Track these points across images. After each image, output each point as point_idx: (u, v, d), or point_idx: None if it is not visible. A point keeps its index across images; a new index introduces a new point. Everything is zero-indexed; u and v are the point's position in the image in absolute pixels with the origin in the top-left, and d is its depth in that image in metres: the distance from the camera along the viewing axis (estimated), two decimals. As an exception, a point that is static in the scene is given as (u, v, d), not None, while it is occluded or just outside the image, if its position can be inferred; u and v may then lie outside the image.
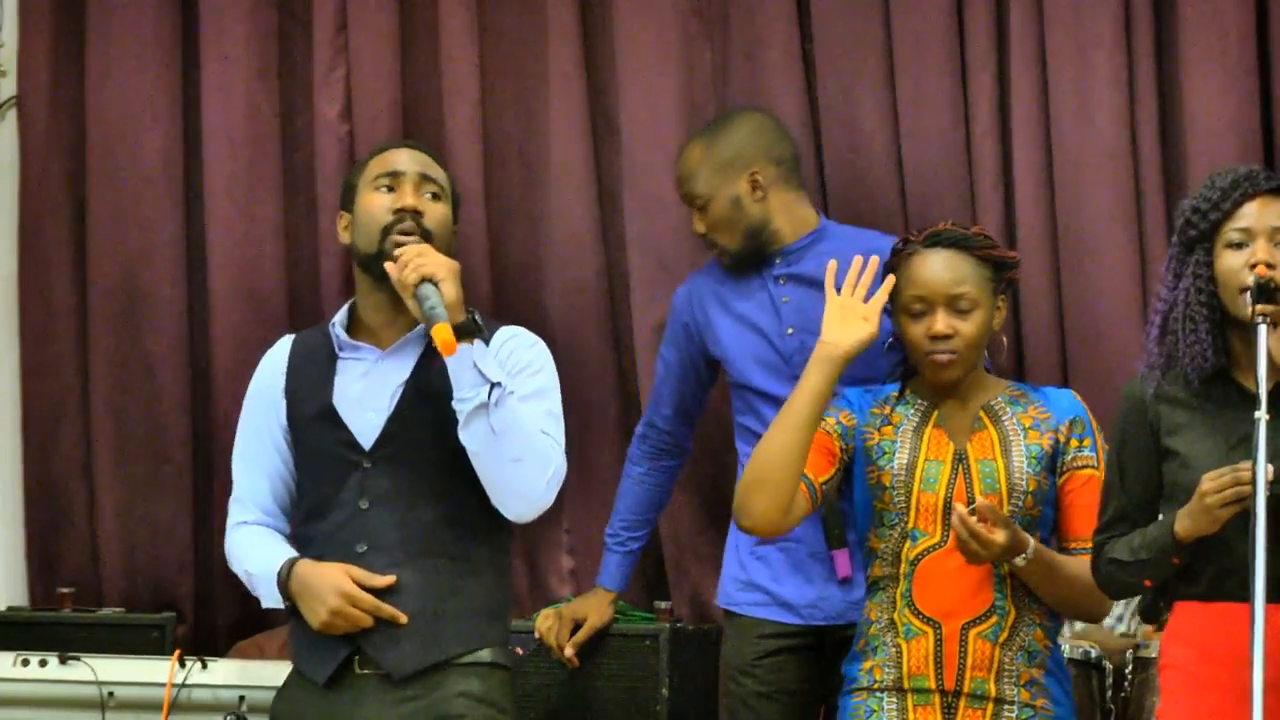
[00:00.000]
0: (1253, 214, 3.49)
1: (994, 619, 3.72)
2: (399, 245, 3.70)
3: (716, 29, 5.15)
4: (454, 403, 3.63)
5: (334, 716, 3.72)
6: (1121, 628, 4.54)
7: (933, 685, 3.71)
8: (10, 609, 5.25)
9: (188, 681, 4.62)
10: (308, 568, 3.74)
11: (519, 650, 4.55)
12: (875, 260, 3.84)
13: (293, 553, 3.79)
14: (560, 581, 5.19)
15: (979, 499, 3.69)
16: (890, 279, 3.82)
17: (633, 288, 5.13)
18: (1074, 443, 3.80)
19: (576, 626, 4.61)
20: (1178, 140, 4.84)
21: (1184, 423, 3.52)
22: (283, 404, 3.85)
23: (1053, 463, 3.80)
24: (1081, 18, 4.85)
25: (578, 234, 5.20)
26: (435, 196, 3.81)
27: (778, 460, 3.73)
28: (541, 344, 3.83)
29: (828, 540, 4.36)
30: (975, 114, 4.94)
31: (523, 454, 3.64)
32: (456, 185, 3.91)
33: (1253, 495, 3.27)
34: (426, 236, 3.74)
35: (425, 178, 3.81)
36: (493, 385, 3.60)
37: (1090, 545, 3.63)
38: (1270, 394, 3.34)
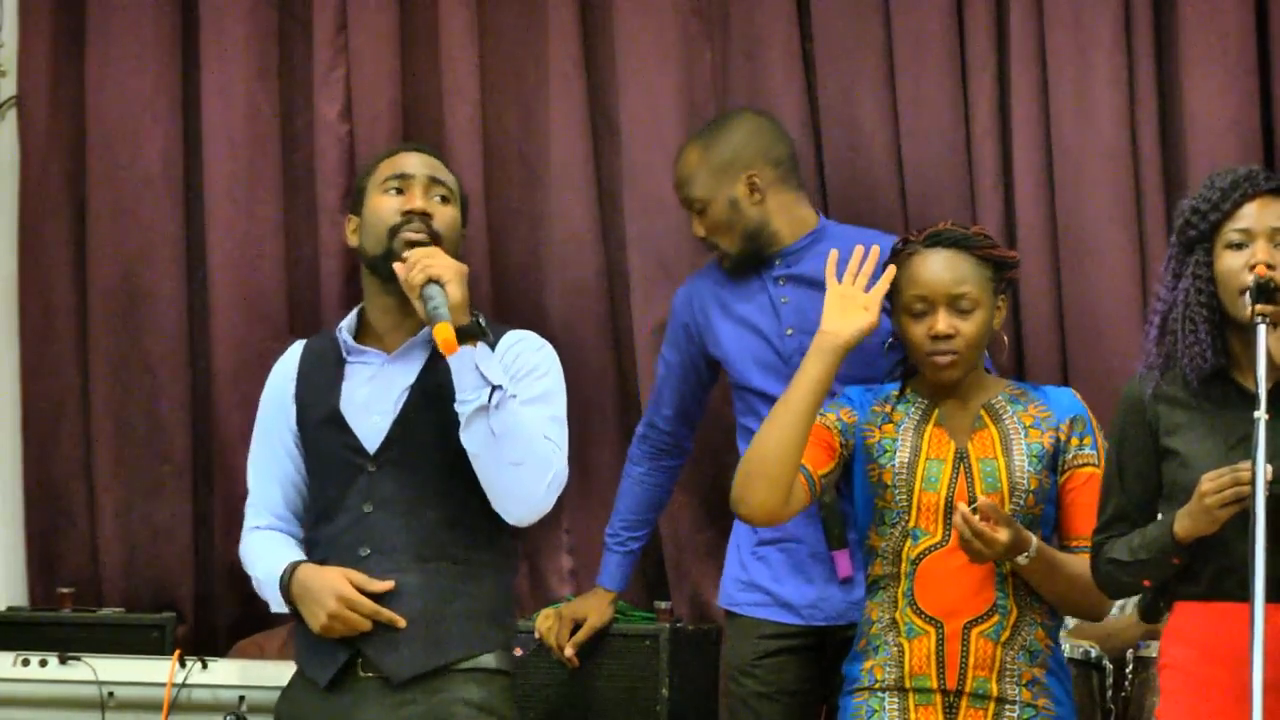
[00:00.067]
0: (1252, 215, 3.49)
1: (996, 618, 3.72)
2: (408, 246, 3.71)
3: (716, 29, 5.15)
4: (455, 404, 3.64)
5: (335, 719, 3.72)
6: (1120, 614, 4.52)
7: (934, 685, 3.71)
8: (10, 609, 5.25)
9: (188, 681, 4.62)
10: (308, 572, 3.74)
11: (519, 651, 4.55)
12: (876, 250, 3.84)
13: (296, 557, 3.79)
14: (560, 581, 5.20)
15: (981, 498, 3.69)
16: (891, 269, 3.82)
17: (633, 288, 5.13)
18: (1075, 441, 3.80)
19: (576, 626, 4.61)
20: (1178, 140, 4.85)
21: (1183, 422, 3.52)
22: (292, 409, 3.86)
23: (1054, 461, 3.80)
24: (1081, 18, 4.85)
25: (578, 234, 5.20)
26: (444, 199, 3.82)
27: (776, 448, 3.73)
28: (549, 348, 3.84)
29: (828, 541, 4.36)
30: (975, 114, 4.94)
31: (523, 457, 3.64)
32: (464, 189, 3.92)
33: (1252, 495, 3.27)
34: (435, 239, 3.75)
35: (434, 180, 3.82)
36: (494, 388, 3.61)
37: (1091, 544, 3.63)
38: (1269, 393, 3.34)
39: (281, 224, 5.39)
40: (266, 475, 3.89)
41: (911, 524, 3.76)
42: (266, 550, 3.84)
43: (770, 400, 4.29)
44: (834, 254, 3.88)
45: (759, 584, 4.45)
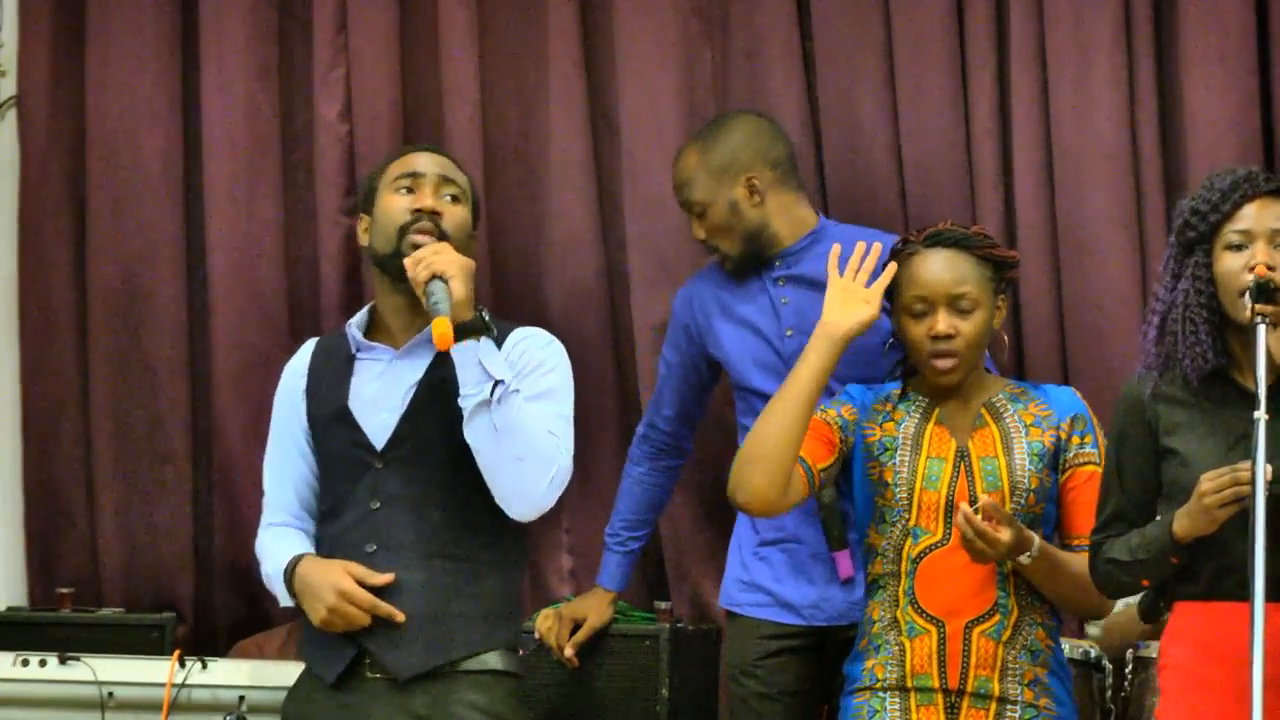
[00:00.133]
0: (1252, 216, 3.48)
1: (997, 617, 3.72)
2: (415, 246, 3.73)
3: (716, 29, 5.15)
4: (459, 399, 3.65)
5: (343, 718, 3.73)
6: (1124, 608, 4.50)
7: (936, 684, 3.71)
8: (10, 609, 5.25)
9: (188, 681, 4.61)
10: (309, 565, 3.76)
11: (519, 651, 4.55)
12: (879, 247, 3.85)
13: (301, 550, 3.80)
14: (560, 581, 5.20)
15: (983, 497, 3.69)
16: (892, 266, 3.82)
17: (633, 288, 5.13)
18: (1075, 439, 3.80)
19: (576, 626, 4.61)
20: (1178, 140, 4.85)
21: (1182, 422, 3.52)
22: (303, 406, 3.88)
23: (1055, 460, 3.80)
24: (1081, 18, 4.85)
25: (578, 234, 5.20)
26: (454, 199, 3.84)
27: (775, 434, 3.73)
28: (557, 345, 3.85)
29: (829, 542, 4.36)
30: (975, 114, 4.94)
31: (524, 453, 3.65)
32: (477, 190, 3.93)
33: (1252, 495, 3.26)
34: (443, 238, 3.77)
35: (445, 180, 3.85)
36: (496, 382, 3.62)
37: (1092, 543, 3.64)
38: (1269, 392, 3.34)
39: (281, 224, 5.39)
40: (280, 472, 3.91)
41: (912, 522, 3.76)
42: (276, 545, 3.86)
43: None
44: (836, 248, 3.89)
45: (760, 584, 4.45)
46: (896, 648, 3.74)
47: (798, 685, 4.41)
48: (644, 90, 5.14)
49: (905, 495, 3.77)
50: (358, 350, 3.85)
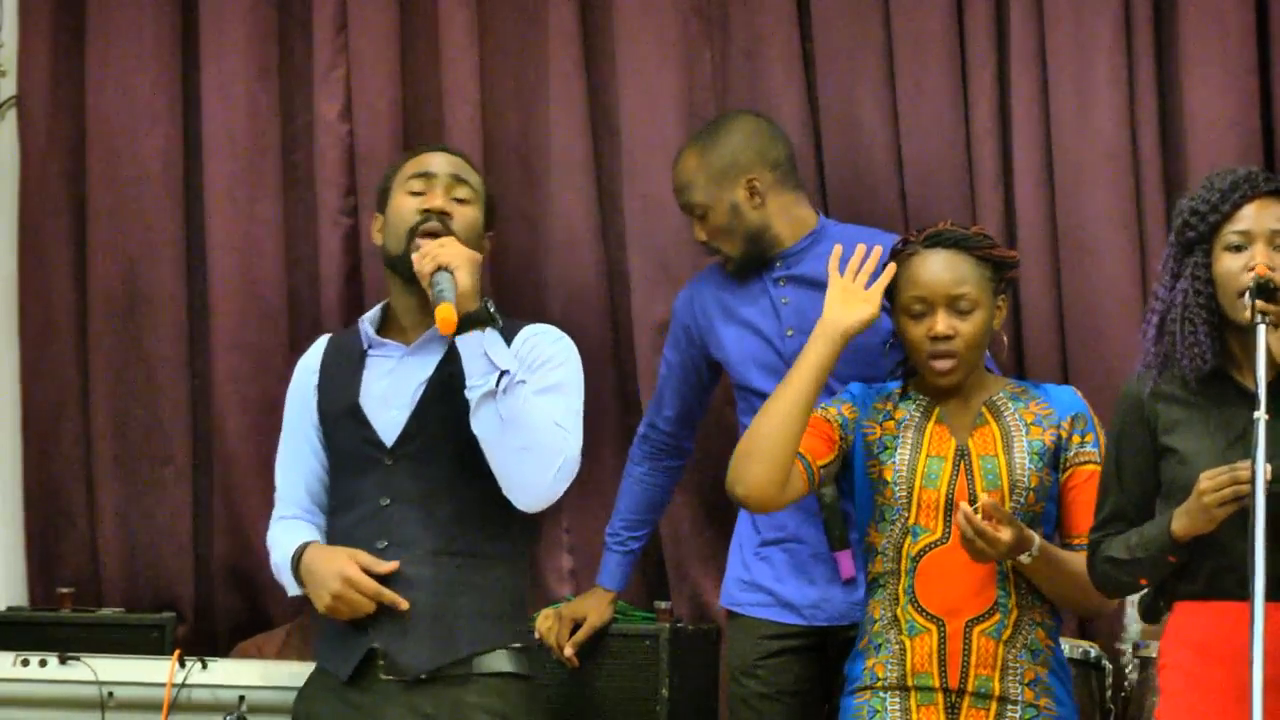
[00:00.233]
0: (1251, 216, 3.48)
1: (997, 616, 3.72)
2: (420, 243, 3.76)
3: (716, 29, 5.15)
4: (466, 391, 3.67)
5: (355, 718, 3.74)
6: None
7: (936, 684, 3.71)
8: (10, 609, 5.24)
9: (188, 681, 4.61)
10: (315, 553, 3.79)
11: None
12: (879, 250, 3.85)
13: (309, 539, 3.82)
14: (560, 581, 5.19)
15: (983, 496, 3.69)
16: (891, 266, 3.82)
17: (633, 288, 5.13)
18: (1076, 438, 3.81)
19: (576, 626, 4.61)
20: (1178, 140, 4.84)
21: (1181, 420, 3.52)
22: (314, 401, 3.91)
23: (1055, 458, 3.80)
24: (1081, 18, 4.85)
25: (578, 234, 5.20)
26: (466, 200, 3.86)
27: (774, 428, 3.74)
28: (567, 340, 3.88)
29: (830, 542, 4.35)
30: (975, 114, 4.94)
31: (530, 443, 3.67)
32: (491, 190, 3.94)
33: (1252, 495, 3.26)
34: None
35: (457, 180, 3.87)
36: (502, 373, 3.63)
37: (1092, 543, 3.63)
38: (1268, 389, 3.33)
39: (281, 224, 5.39)
40: (291, 467, 3.94)
41: (911, 521, 3.76)
42: (286, 537, 3.89)
43: (770, 400, 4.30)
44: (838, 249, 3.89)
45: (761, 584, 4.45)
46: (897, 646, 3.74)
47: (798, 685, 4.41)
48: (644, 90, 5.13)
49: (905, 494, 3.77)
50: (369, 347, 3.87)
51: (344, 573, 3.71)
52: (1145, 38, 4.85)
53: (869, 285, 3.82)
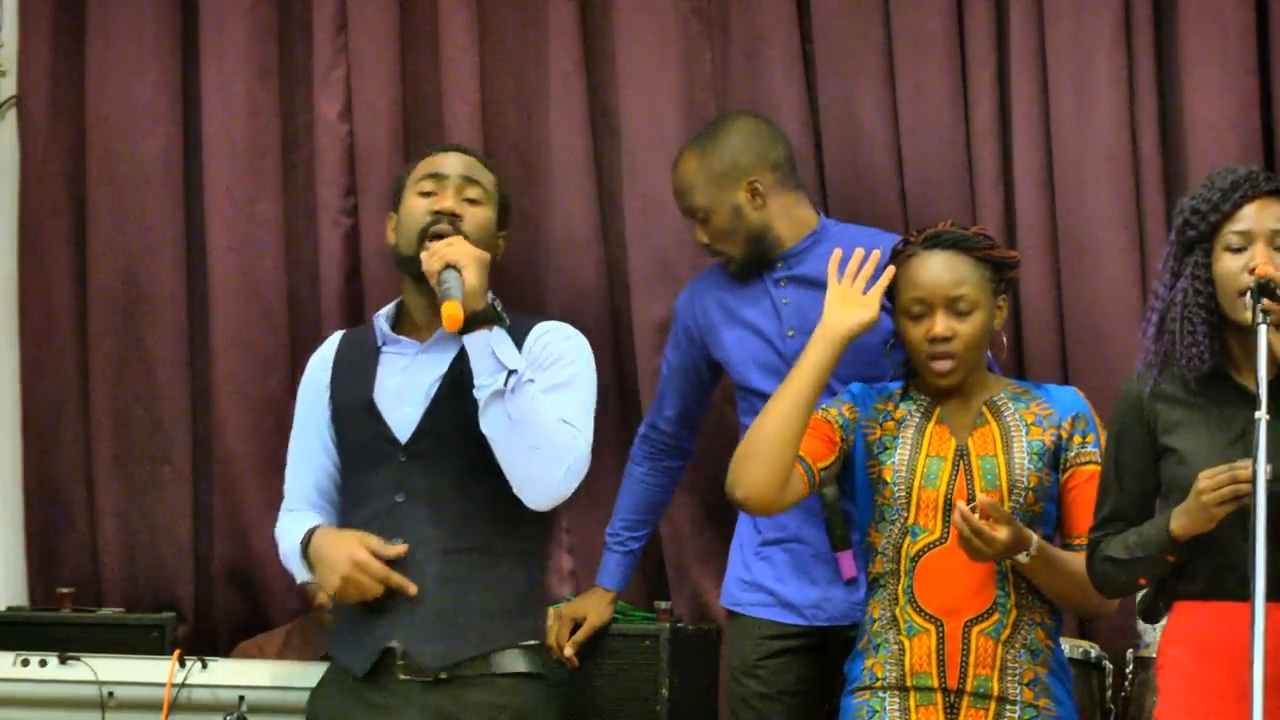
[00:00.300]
0: (1252, 216, 3.48)
1: (996, 616, 3.72)
2: (429, 243, 3.77)
3: (716, 29, 5.15)
4: (474, 390, 3.67)
5: (371, 716, 3.75)
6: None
7: (935, 684, 3.71)
8: (10, 609, 5.25)
9: (188, 681, 4.61)
10: (324, 536, 3.81)
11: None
12: (877, 253, 3.85)
13: (317, 523, 3.83)
14: (560, 581, 5.19)
15: (980, 495, 3.69)
16: (890, 269, 3.82)
17: (633, 288, 5.13)
18: (1077, 439, 3.81)
19: (576, 626, 4.61)
20: (1178, 140, 4.85)
21: (1181, 420, 3.52)
22: (327, 397, 3.92)
23: (1055, 459, 3.80)
24: (1081, 18, 4.85)
25: (578, 234, 5.20)
26: (477, 200, 3.87)
27: (773, 433, 3.74)
28: (579, 338, 3.89)
29: (832, 542, 4.35)
30: (975, 114, 4.94)
31: (539, 442, 3.69)
32: (505, 190, 3.94)
33: (1252, 495, 3.26)
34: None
35: (469, 181, 3.88)
36: (510, 372, 3.64)
37: (1092, 543, 3.63)
38: (1268, 389, 3.33)
39: (281, 224, 5.39)
40: (301, 463, 3.96)
41: (910, 521, 3.76)
42: (291, 526, 3.90)
43: (770, 400, 4.30)
44: (837, 253, 3.89)
45: (762, 584, 4.45)
46: (896, 646, 3.74)
47: (799, 685, 4.41)
48: (644, 90, 5.13)
49: (904, 493, 3.77)
50: (384, 343, 3.88)
51: (353, 555, 3.73)
52: (1145, 38, 4.85)
53: (868, 288, 3.81)
